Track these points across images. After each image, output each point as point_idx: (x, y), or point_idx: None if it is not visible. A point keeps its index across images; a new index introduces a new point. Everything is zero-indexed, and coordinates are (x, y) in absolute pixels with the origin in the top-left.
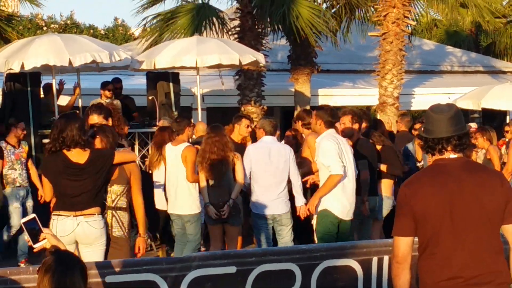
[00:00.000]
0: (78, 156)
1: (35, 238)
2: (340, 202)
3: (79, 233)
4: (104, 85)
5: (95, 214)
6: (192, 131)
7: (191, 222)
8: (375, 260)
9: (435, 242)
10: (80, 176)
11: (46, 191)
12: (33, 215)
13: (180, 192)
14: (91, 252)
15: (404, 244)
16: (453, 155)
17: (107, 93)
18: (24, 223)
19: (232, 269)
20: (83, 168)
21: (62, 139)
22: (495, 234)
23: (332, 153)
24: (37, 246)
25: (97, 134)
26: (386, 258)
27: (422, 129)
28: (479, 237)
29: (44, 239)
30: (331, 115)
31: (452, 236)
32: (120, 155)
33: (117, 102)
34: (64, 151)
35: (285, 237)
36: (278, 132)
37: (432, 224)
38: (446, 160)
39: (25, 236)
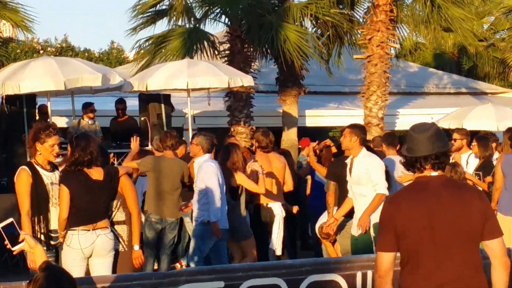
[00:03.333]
0: (97, 173)
1: (14, 241)
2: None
3: (98, 245)
4: (87, 106)
5: (108, 227)
6: (185, 149)
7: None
8: (359, 274)
9: (416, 258)
10: (100, 193)
11: (63, 210)
12: (11, 219)
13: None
14: (102, 263)
15: (386, 259)
16: (434, 173)
17: (90, 114)
18: (2, 227)
19: (220, 284)
20: (102, 185)
21: (87, 158)
22: (474, 249)
23: (380, 172)
24: (16, 248)
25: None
26: (369, 273)
27: (405, 147)
28: (459, 253)
29: (22, 241)
30: (365, 132)
31: (432, 251)
32: (121, 169)
33: (97, 125)
34: (85, 169)
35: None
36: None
37: (413, 240)
38: (427, 178)
39: (4, 241)
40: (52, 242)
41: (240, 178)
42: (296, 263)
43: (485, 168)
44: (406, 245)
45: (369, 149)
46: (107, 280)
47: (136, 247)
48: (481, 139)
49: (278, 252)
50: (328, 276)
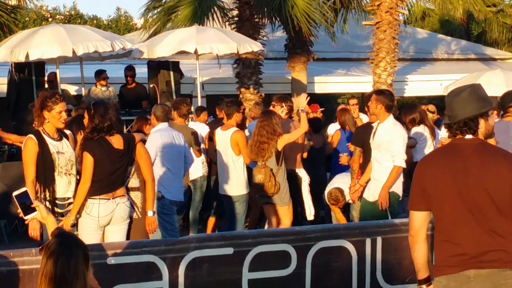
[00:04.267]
0: (117, 141)
1: (26, 210)
2: (400, 181)
3: (116, 214)
4: (99, 74)
5: (125, 195)
6: (242, 116)
7: (240, 202)
8: (368, 241)
9: (442, 219)
10: (121, 161)
11: (87, 179)
12: (25, 188)
13: (230, 175)
14: (118, 230)
15: (417, 218)
16: (468, 136)
17: (102, 81)
18: (15, 195)
19: (229, 250)
20: (123, 153)
21: (107, 124)
22: (503, 216)
23: (400, 144)
24: (28, 218)
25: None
26: (379, 239)
27: (446, 113)
28: (485, 216)
29: (34, 211)
30: (391, 99)
31: (457, 214)
32: (137, 136)
33: (112, 89)
34: (107, 137)
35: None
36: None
37: (439, 201)
38: (461, 140)
39: (17, 209)
40: (58, 210)
41: (283, 140)
42: (305, 230)
43: None
44: (435, 206)
45: (396, 117)
46: (117, 246)
47: (150, 213)
48: None
49: (311, 217)
50: (337, 242)
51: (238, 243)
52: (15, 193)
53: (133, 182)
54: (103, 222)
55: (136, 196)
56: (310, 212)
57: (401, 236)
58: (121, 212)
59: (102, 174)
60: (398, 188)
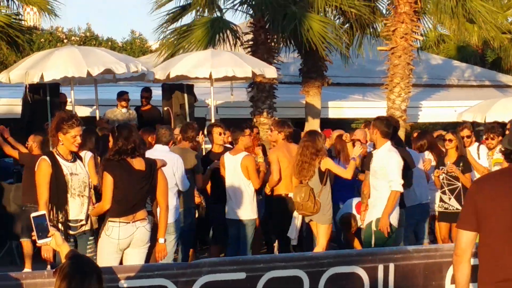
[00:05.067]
0: (138, 163)
1: (41, 234)
2: (396, 212)
3: (136, 236)
4: (120, 95)
5: (146, 218)
6: (249, 139)
7: (249, 226)
8: (381, 267)
9: (492, 242)
10: (142, 183)
11: (107, 199)
12: (44, 212)
13: (241, 199)
14: (136, 254)
15: (464, 238)
16: None
17: (123, 103)
18: (33, 217)
19: (241, 275)
20: (145, 175)
21: (131, 147)
22: None
23: (396, 168)
24: (41, 242)
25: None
26: (391, 266)
27: (506, 138)
28: None
29: (50, 237)
30: (387, 125)
31: (509, 239)
32: (158, 162)
33: (132, 112)
34: (128, 159)
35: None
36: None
37: (491, 224)
38: None
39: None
40: (70, 232)
41: (327, 163)
42: (318, 255)
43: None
44: (485, 228)
45: (398, 142)
46: (129, 270)
47: (161, 240)
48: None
49: (295, 242)
50: (349, 269)
51: (251, 267)
52: (33, 215)
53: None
54: (123, 245)
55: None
56: (294, 235)
57: (414, 263)
58: (141, 236)
59: (121, 196)
60: (393, 218)
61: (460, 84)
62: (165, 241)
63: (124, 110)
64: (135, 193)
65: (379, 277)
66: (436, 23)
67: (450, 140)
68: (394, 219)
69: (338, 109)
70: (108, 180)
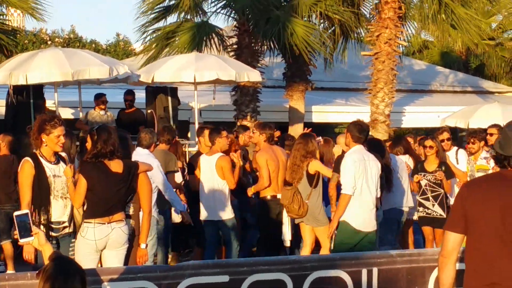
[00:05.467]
0: (116, 165)
1: (24, 233)
2: (357, 215)
3: (112, 238)
4: (98, 97)
5: (123, 220)
6: (226, 141)
7: (229, 226)
8: (364, 271)
9: (480, 246)
10: (119, 185)
11: (79, 199)
12: (27, 211)
13: (217, 199)
14: (114, 256)
15: (452, 240)
16: None
17: (102, 105)
18: (16, 215)
19: (224, 278)
20: (121, 177)
21: (109, 149)
22: None
23: (347, 172)
24: (24, 241)
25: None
26: (375, 270)
27: (497, 142)
28: None
29: (32, 236)
30: (360, 130)
31: (498, 243)
32: (141, 166)
33: (110, 114)
34: (105, 161)
35: None
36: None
37: (480, 228)
38: (510, 172)
39: (15, 229)
40: (53, 234)
41: (315, 165)
42: (301, 259)
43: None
44: (474, 231)
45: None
46: (112, 272)
47: (143, 245)
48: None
49: (287, 243)
50: (333, 273)
51: (234, 271)
52: (16, 213)
53: (127, 209)
54: (99, 246)
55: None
56: (288, 238)
57: (397, 267)
58: (117, 237)
59: (97, 198)
60: (354, 220)
61: (443, 89)
62: (146, 246)
63: (102, 112)
64: (111, 195)
65: (363, 281)
66: (420, 29)
67: (431, 147)
68: (355, 221)
69: (321, 114)
70: (82, 182)
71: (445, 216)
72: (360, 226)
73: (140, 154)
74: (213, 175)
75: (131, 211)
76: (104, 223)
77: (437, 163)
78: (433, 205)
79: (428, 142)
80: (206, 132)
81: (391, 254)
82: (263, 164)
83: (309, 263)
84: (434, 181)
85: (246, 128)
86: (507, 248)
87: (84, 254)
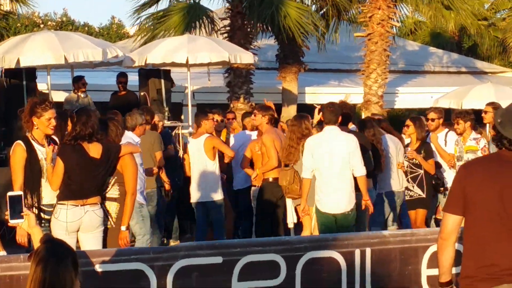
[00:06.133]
0: (94, 149)
1: (15, 214)
2: (325, 197)
3: (85, 221)
4: (77, 80)
5: (98, 204)
6: (212, 124)
7: (221, 207)
8: (357, 252)
9: (479, 227)
10: (95, 170)
11: (56, 181)
12: (21, 192)
13: (208, 181)
14: (90, 238)
15: (450, 221)
16: None
17: (82, 88)
18: (9, 196)
19: (218, 259)
20: (99, 162)
21: (88, 132)
22: None
23: (304, 156)
24: (13, 222)
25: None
26: (368, 251)
27: (499, 121)
28: None
29: (22, 217)
30: (332, 112)
31: (497, 224)
32: (125, 149)
33: (89, 98)
34: (84, 143)
35: None
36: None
37: (479, 209)
38: (509, 153)
39: (6, 210)
40: (45, 217)
41: None
42: (294, 240)
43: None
44: (472, 212)
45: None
46: (104, 253)
47: (123, 227)
48: (417, 120)
49: (291, 225)
50: (326, 253)
51: (227, 252)
52: (10, 193)
53: (112, 192)
54: (71, 228)
55: (112, 206)
56: (291, 220)
57: (390, 248)
58: (90, 220)
59: (72, 180)
60: (321, 204)
61: (437, 70)
62: (127, 228)
63: (82, 95)
64: (87, 178)
65: (356, 262)
66: (413, 9)
67: (407, 126)
68: (320, 204)
69: (314, 95)
70: (59, 165)
71: (424, 196)
72: (325, 208)
73: (124, 137)
74: (202, 157)
75: (116, 194)
76: (78, 205)
77: (419, 143)
78: (413, 186)
79: (407, 122)
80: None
81: (384, 234)
82: (270, 145)
83: (302, 244)
84: (414, 162)
85: (249, 114)
86: (505, 229)
87: (58, 235)
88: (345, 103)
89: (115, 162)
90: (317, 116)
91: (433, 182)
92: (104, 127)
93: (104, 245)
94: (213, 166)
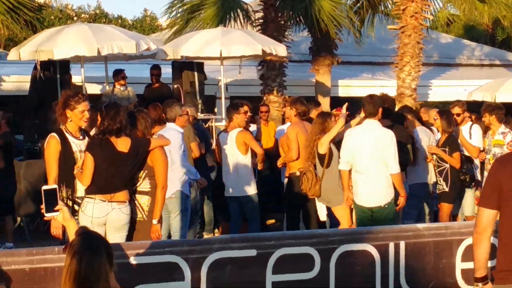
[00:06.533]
0: (123, 143)
1: (50, 207)
2: (360, 191)
3: (111, 218)
4: (117, 73)
5: (126, 201)
6: (244, 118)
7: (254, 201)
8: (391, 245)
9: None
10: (124, 165)
11: (87, 176)
12: (55, 186)
13: (240, 175)
14: (116, 236)
15: (485, 216)
16: None
17: (122, 81)
18: (44, 190)
19: (252, 252)
20: (127, 157)
21: (116, 127)
22: None
23: (342, 147)
24: (48, 216)
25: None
26: (402, 244)
27: None
28: None
29: (57, 211)
30: (370, 103)
31: None
32: (154, 142)
33: (130, 89)
34: (112, 138)
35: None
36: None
37: None
38: None
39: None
40: (78, 209)
41: (322, 143)
42: (328, 233)
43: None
44: (507, 206)
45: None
46: (139, 246)
47: (155, 221)
48: (444, 113)
49: (323, 217)
50: (360, 246)
51: (261, 244)
52: (44, 188)
53: (144, 186)
54: (97, 223)
55: (144, 199)
56: (321, 213)
57: (424, 241)
58: (117, 218)
59: (100, 175)
60: (357, 198)
61: (470, 63)
62: (158, 222)
63: (122, 88)
64: (114, 173)
65: (390, 255)
66: (447, 2)
67: (435, 119)
68: (358, 199)
69: (347, 88)
70: (89, 159)
71: (447, 190)
72: (365, 202)
73: (167, 128)
74: (234, 151)
75: (148, 187)
76: (105, 201)
77: (446, 136)
78: (440, 180)
79: (435, 114)
80: (241, 109)
81: (418, 227)
82: (293, 138)
83: (336, 237)
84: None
85: (318, 104)
86: None
87: None
88: (386, 96)
89: (144, 156)
90: (345, 112)
91: (461, 177)
92: (133, 120)
93: (130, 238)
94: (245, 160)
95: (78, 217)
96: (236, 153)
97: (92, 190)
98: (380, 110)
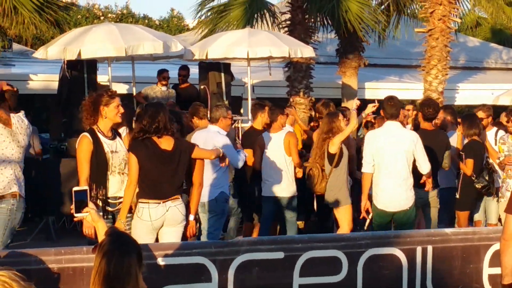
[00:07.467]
0: (166, 143)
1: (79, 208)
2: (381, 195)
3: (168, 217)
4: (160, 73)
5: (179, 197)
6: (285, 119)
7: (293, 203)
8: (419, 249)
9: None
10: (169, 163)
11: (133, 176)
12: (86, 187)
13: (283, 176)
14: (172, 232)
15: None
16: None
17: (163, 81)
18: (75, 191)
19: (279, 255)
20: (171, 154)
21: (155, 126)
22: None
23: (364, 151)
24: (78, 216)
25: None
26: (429, 248)
27: None
28: None
29: (87, 212)
30: (390, 106)
31: None
32: (199, 152)
33: (171, 91)
34: (154, 138)
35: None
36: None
37: None
38: None
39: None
40: (109, 209)
41: (334, 143)
42: (356, 236)
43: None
44: None
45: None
46: (167, 247)
47: (191, 217)
48: (466, 118)
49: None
50: (387, 250)
51: (289, 247)
52: (75, 188)
53: None
54: (156, 225)
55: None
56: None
57: (452, 246)
58: (173, 215)
59: (146, 175)
60: (378, 201)
61: (498, 67)
62: (194, 218)
63: (163, 88)
64: (161, 172)
65: (417, 259)
66: (474, 5)
67: (459, 124)
68: (379, 203)
69: (374, 90)
70: (133, 160)
71: (458, 197)
72: (386, 206)
73: (207, 130)
74: (280, 152)
75: (184, 185)
76: (160, 203)
77: (467, 142)
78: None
79: (459, 119)
80: (267, 109)
81: (446, 232)
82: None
83: (364, 241)
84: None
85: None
86: None
87: (140, 234)
88: (431, 100)
89: (187, 157)
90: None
91: (476, 185)
92: (178, 119)
93: (184, 239)
94: (290, 162)
95: (133, 222)
96: (281, 154)
97: (143, 193)
98: (400, 111)
